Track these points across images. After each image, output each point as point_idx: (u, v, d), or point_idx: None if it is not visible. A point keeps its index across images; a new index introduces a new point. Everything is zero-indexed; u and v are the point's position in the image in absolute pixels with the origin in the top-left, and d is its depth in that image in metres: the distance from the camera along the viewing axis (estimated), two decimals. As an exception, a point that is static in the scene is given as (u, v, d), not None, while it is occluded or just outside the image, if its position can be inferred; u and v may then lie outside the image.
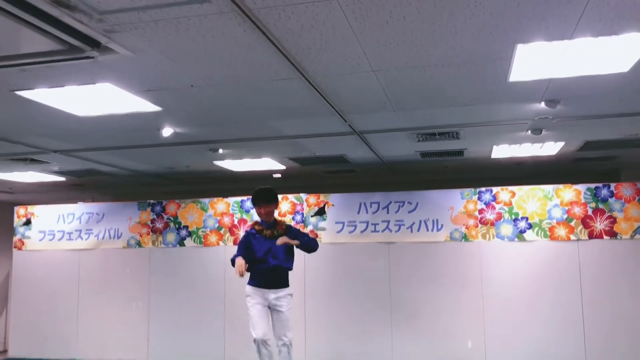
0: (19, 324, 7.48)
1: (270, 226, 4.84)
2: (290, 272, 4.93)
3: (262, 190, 4.87)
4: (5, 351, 8.42)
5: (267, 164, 6.75)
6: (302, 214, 6.70)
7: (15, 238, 7.65)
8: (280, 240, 4.68)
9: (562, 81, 3.70)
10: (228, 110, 4.37)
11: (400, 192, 6.54)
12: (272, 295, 4.77)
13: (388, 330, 6.34)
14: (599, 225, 6.00)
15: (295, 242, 4.75)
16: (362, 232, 6.53)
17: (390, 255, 6.46)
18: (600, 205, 6.03)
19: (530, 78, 3.62)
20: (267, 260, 4.76)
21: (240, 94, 3.91)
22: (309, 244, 4.87)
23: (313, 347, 6.49)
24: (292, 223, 6.71)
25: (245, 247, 4.80)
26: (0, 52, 3.04)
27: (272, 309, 4.81)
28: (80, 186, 8.51)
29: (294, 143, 5.63)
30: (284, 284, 4.85)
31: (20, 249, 7.61)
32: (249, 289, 4.83)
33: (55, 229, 7.50)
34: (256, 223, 4.93)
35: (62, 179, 7.55)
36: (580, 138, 5.60)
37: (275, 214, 5.05)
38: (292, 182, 8.50)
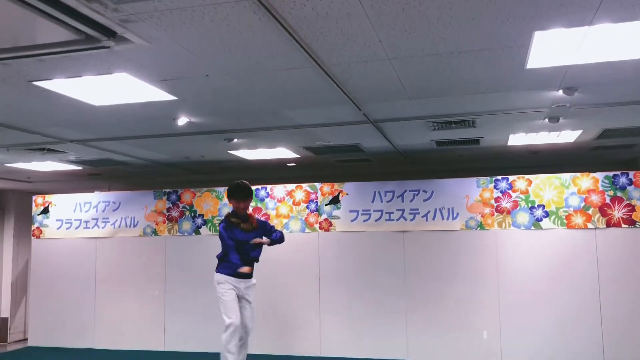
0: (38, 312, 7.61)
1: (245, 219, 5.15)
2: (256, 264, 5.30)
3: (244, 186, 5.14)
4: (25, 339, 8.57)
5: (281, 153, 6.75)
6: (317, 202, 6.71)
7: (34, 226, 7.76)
8: (256, 241, 5.05)
9: (581, 68, 3.65)
10: (243, 100, 4.37)
11: (415, 181, 6.52)
12: (243, 285, 5.08)
13: (402, 319, 6.35)
14: (617, 213, 5.94)
15: (267, 241, 5.12)
16: (376, 220, 6.53)
17: (405, 244, 6.45)
18: (619, 194, 5.96)
19: (548, 65, 3.57)
20: (248, 252, 5.08)
21: (255, 83, 3.91)
22: (278, 242, 5.27)
23: (327, 336, 6.52)
24: (307, 212, 6.73)
25: (231, 239, 5.05)
26: (18, 43, 3.06)
27: (241, 298, 5.10)
28: (96, 175, 8.59)
29: (308, 132, 5.63)
30: (252, 275, 5.18)
31: (38, 237, 7.72)
32: (222, 277, 5.07)
33: (72, 217, 7.59)
34: (232, 215, 5.16)
35: (79, 168, 7.63)
36: (598, 126, 5.52)
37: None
38: (307, 171, 8.51)
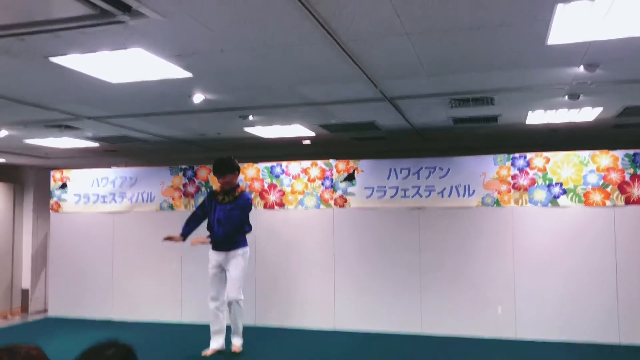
0: (58, 284, 7.76)
1: (226, 192, 5.39)
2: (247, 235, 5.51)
3: (217, 163, 5.41)
4: (45, 310, 8.76)
5: (296, 130, 6.73)
6: (332, 179, 6.71)
7: (52, 201, 7.86)
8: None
9: (603, 43, 3.56)
10: (258, 76, 4.35)
11: (431, 158, 6.48)
12: (222, 257, 5.34)
13: (417, 296, 6.37)
14: (637, 191, 5.86)
15: (206, 241, 5.31)
16: (391, 197, 6.51)
17: (420, 221, 6.44)
18: (639, 172, 5.87)
19: (570, 41, 3.49)
20: (213, 226, 5.37)
21: (271, 58, 3.87)
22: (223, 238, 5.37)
23: (342, 313, 6.57)
24: (322, 189, 6.73)
25: (201, 206, 5.58)
26: (34, 18, 3.06)
27: (224, 269, 5.37)
28: (113, 152, 8.65)
29: (323, 109, 5.59)
30: (232, 247, 5.32)
31: (57, 211, 7.83)
32: (209, 251, 5.48)
33: (90, 192, 7.68)
34: (219, 187, 5.54)
35: (95, 144, 7.68)
36: (619, 103, 5.41)
37: (240, 182, 5.94)
38: (322, 148, 8.48)
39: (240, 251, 5.34)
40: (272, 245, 6.87)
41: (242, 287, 5.36)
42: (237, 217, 5.32)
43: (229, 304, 5.32)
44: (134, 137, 7.14)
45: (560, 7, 2.93)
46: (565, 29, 3.26)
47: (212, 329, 5.47)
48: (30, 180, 10.02)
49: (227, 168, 5.37)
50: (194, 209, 5.81)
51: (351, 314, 6.55)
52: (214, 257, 5.38)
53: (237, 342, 5.48)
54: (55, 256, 7.83)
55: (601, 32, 3.32)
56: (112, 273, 7.50)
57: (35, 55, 3.69)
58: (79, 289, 7.60)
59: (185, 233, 5.51)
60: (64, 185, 7.81)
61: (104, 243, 7.57)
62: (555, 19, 3.09)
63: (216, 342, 5.46)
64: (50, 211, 7.90)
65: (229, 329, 5.53)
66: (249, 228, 5.50)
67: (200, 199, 7.18)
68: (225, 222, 5.30)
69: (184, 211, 7.24)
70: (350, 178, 6.68)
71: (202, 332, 6.56)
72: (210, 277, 5.42)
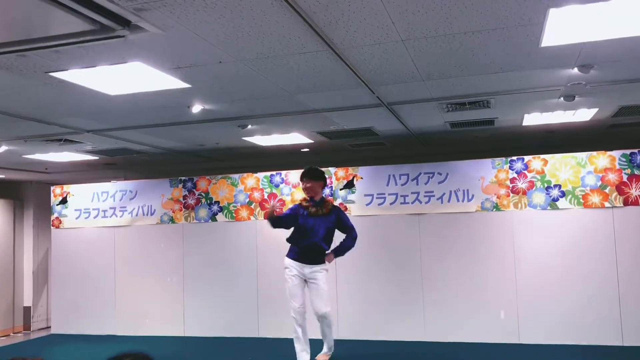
0: (60, 300, 7.75)
1: (316, 204, 5.16)
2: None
3: (307, 167, 5.30)
4: (48, 327, 8.74)
5: (295, 138, 6.77)
6: (331, 187, 6.73)
7: (53, 216, 7.88)
8: (328, 258, 5.19)
9: (596, 45, 3.61)
10: (256, 86, 4.39)
11: (429, 164, 6.50)
12: (308, 269, 5.10)
13: (419, 301, 6.38)
14: (635, 191, 5.89)
15: (331, 258, 5.24)
16: (391, 204, 6.54)
17: (421, 227, 6.46)
18: (636, 172, 5.91)
19: (563, 43, 3.54)
20: (309, 236, 5.10)
21: (269, 68, 3.91)
22: (349, 246, 5.32)
23: (344, 319, 6.57)
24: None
25: (290, 215, 5.21)
26: (34, 34, 3.10)
27: (308, 282, 5.14)
28: (113, 165, 8.68)
29: (322, 117, 5.63)
30: (320, 261, 5.16)
31: (57, 227, 7.84)
32: (288, 261, 5.18)
33: (90, 207, 7.70)
34: (304, 199, 5.26)
35: (95, 158, 7.71)
36: (614, 103, 5.46)
37: (324, 194, 5.56)
38: (321, 156, 8.52)
39: (326, 265, 5.21)
40: (273, 255, 6.87)
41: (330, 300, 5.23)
42: (349, 225, 5.32)
43: (320, 317, 5.12)
44: (133, 149, 7.17)
45: (553, 11, 2.98)
46: (558, 31, 3.31)
47: (299, 345, 5.15)
48: (30, 196, 10.03)
49: (313, 174, 5.22)
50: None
51: (353, 322, 6.55)
52: (297, 268, 5.12)
53: (324, 354, 5.32)
54: (57, 272, 7.83)
55: (594, 34, 3.37)
56: (114, 288, 7.50)
57: (36, 71, 3.73)
58: (82, 305, 7.60)
59: (279, 217, 5.19)
60: (64, 201, 7.83)
61: (105, 258, 7.57)
62: (549, 22, 3.14)
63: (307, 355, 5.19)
64: (51, 227, 7.91)
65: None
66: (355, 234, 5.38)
67: (201, 211, 7.21)
68: (323, 236, 5.14)
69: (185, 224, 7.28)
70: (349, 185, 6.71)
71: (205, 346, 6.58)
72: (292, 287, 5.12)
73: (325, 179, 5.36)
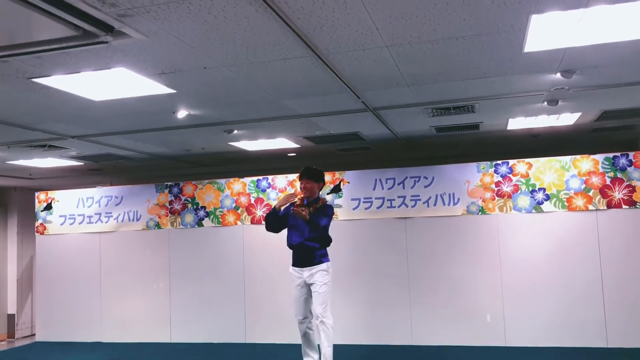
0: (45, 308, 7.67)
1: (305, 205, 4.99)
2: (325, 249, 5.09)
3: (306, 167, 5.11)
4: (33, 335, 8.64)
5: (281, 143, 6.77)
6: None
7: (37, 223, 7.80)
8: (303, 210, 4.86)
9: (578, 50, 3.65)
10: (241, 91, 4.38)
11: (416, 168, 6.54)
12: (307, 273, 4.94)
13: (406, 305, 6.40)
14: (618, 194, 5.96)
15: (305, 215, 4.85)
16: (378, 208, 6.56)
17: (407, 231, 6.48)
18: (619, 175, 5.98)
19: (546, 48, 3.58)
20: (297, 237, 4.97)
21: (253, 74, 3.91)
22: (324, 240, 5.02)
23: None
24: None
25: (285, 215, 5.08)
26: (16, 40, 3.07)
27: (310, 287, 4.97)
28: (98, 170, 8.62)
29: (308, 122, 5.64)
30: (314, 261, 4.94)
31: (42, 233, 7.76)
32: (290, 269, 5.08)
33: (75, 213, 7.63)
34: (300, 199, 5.06)
35: (80, 163, 7.65)
36: (597, 108, 5.52)
37: (322, 196, 5.36)
38: (307, 161, 8.52)
39: (324, 265, 4.95)
40: (260, 260, 6.87)
41: (329, 305, 4.93)
42: (321, 225, 4.90)
43: (319, 322, 4.88)
44: (119, 154, 7.13)
45: (534, 17, 3.01)
46: (540, 37, 3.34)
47: (305, 350, 5.11)
48: (14, 202, 9.93)
49: (312, 174, 5.06)
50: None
51: (340, 326, 6.54)
52: (297, 274, 4.99)
53: None
54: (41, 279, 7.74)
55: (575, 39, 3.41)
56: (100, 295, 7.43)
57: (18, 76, 3.70)
58: (67, 312, 7.52)
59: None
60: (49, 207, 7.76)
61: (90, 264, 7.51)
62: (531, 28, 3.17)
63: None
64: (36, 233, 7.82)
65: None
66: (329, 240, 5.12)
67: (188, 216, 7.18)
68: (308, 234, 4.91)
69: (171, 229, 7.24)
70: (336, 190, 6.71)
71: (192, 352, 6.53)
72: (293, 300, 5.06)
73: (324, 179, 5.22)
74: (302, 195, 5.06)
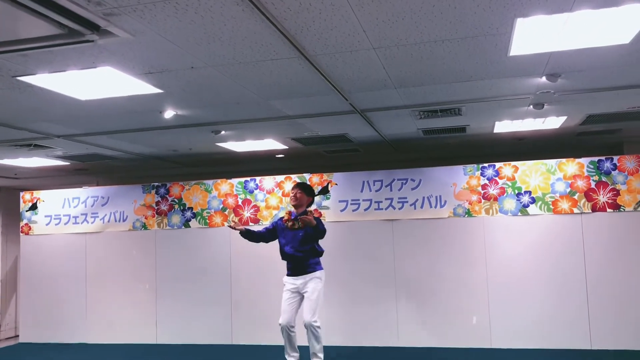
0: (29, 309, 7.59)
1: (293, 219, 5.22)
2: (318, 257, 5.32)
3: (304, 182, 5.56)
4: (16, 336, 8.55)
5: (269, 144, 6.76)
6: (306, 193, 6.72)
7: (22, 223, 7.72)
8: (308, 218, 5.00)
9: (563, 54, 3.69)
10: (228, 92, 4.38)
11: (403, 170, 6.56)
12: (300, 281, 5.18)
13: (393, 307, 6.41)
14: (602, 198, 6.02)
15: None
16: (365, 210, 6.57)
17: (394, 233, 6.50)
18: (604, 178, 6.04)
19: (531, 52, 3.61)
20: (288, 248, 5.21)
21: (241, 74, 3.91)
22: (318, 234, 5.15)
23: (319, 325, 6.56)
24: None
25: (270, 230, 5.40)
26: (1, 38, 3.04)
27: (301, 295, 5.22)
28: (84, 170, 8.56)
29: (295, 123, 5.64)
30: (307, 270, 5.18)
31: (27, 233, 7.69)
32: (284, 278, 5.32)
33: (61, 213, 7.57)
34: (288, 213, 5.37)
35: (66, 163, 7.59)
36: (582, 112, 5.58)
37: (310, 209, 5.60)
38: (295, 162, 8.53)
39: (318, 274, 5.19)
40: (247, 263, 6.85)
41: (318, 311, 5.14)
42: (310, 235, 5.09)
43: (305, 327, 5.11)
44: (105, 154, 7.08)
45: (519, 20, 3.04)
46: (526, 41, 3.38)
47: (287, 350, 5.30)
48: (-1, 202, 9.83)
49: (306, 187, 5.38)
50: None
51: (326, 328, 6.54)
52: (291, 282, 5.22)
53: None
54: (26, 280, 7.66)
55: (560, 43, 3.45)
56: (85, 295, 7.37)
57: (2, 74, 3.67)
58: (52, 313, 7.45)
59: (248, 230, 5.35)
60: (34, 207, 7.69)
61: (76, 265, 7.44)
62: (516, 32, 3.20)
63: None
64: (21, 233, 7.75)
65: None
66: (320, 249, 5.31)
67: (174, 217, 7.15)
68: (299, 245, 5.15)
69: (157, 230, 7.20)
70: (324, 191, 6.72)
71: (178, 353, 6.50)
72: (282, 302, 5.25)
73: (314, 197, 5.52)
74: (292, 203, 5.34)
